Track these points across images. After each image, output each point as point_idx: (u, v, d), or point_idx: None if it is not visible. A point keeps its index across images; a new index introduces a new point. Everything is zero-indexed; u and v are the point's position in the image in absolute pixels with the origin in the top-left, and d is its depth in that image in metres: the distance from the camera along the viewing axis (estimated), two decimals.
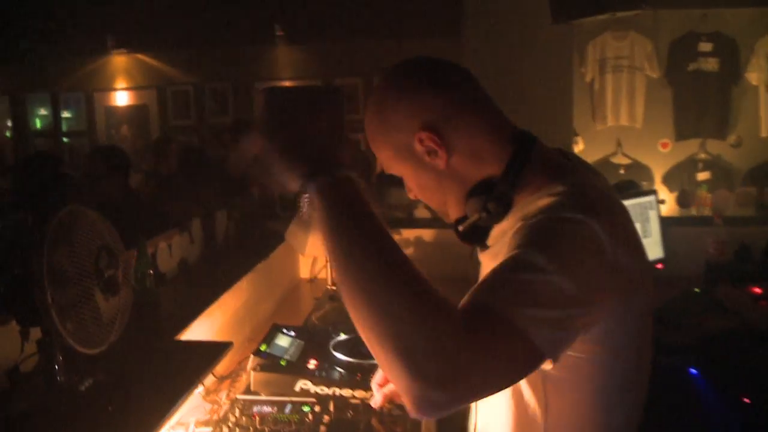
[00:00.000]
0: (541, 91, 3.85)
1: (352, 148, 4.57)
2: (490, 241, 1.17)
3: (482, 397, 0.88)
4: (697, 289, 2.95)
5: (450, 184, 1.14)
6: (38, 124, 7.07)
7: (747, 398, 2.53)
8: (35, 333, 1.32)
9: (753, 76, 4.97)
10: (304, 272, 3.20)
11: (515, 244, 0.94)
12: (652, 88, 5.08)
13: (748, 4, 4.93)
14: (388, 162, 1.17)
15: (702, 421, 2.62)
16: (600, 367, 1.04)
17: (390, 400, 1.51)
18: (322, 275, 3.07)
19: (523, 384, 1.11)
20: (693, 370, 2.71)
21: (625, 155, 5.07)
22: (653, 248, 3.10)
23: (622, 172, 5.01)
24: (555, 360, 0.90)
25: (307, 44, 6.38)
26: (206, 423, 1.54)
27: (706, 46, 4.97)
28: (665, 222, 3.23)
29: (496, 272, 0.90)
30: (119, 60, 6.68)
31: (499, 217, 1.10)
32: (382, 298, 0.82)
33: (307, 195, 0.93)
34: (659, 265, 3.11)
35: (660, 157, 5.13)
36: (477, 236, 1.17)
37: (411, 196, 1.22)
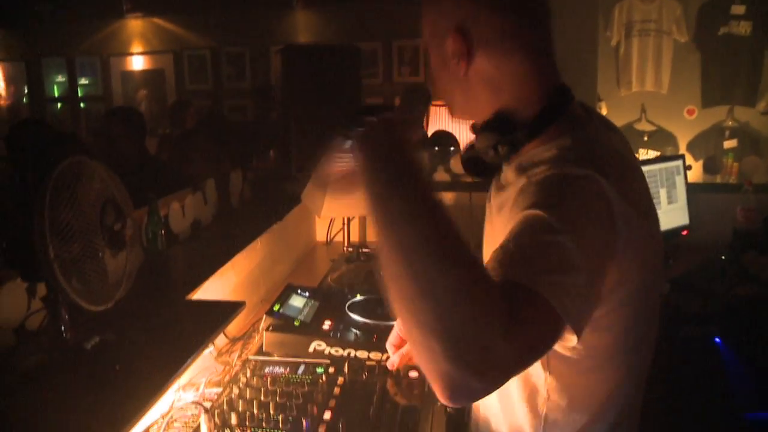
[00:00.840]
0: (564, 55, 3.69)
1: None
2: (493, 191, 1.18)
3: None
4: (723, 257, 2.86)
5: (462, 94, 1.13)
6: (56, 91, 7.04)
7: None
8: (42, 290, 1.28)
9: None
10: (321, 235, 3.15)
11: (526, 203, 0.89)
12: (680, 52, 4.92)
13: None
14: (426, 37, 1.16)
15: (726, 391, 2.56)
16: (606, 331, 1.00)
17: (407, 362, 1.46)
18: (338, 238, 3.01)
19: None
20: (717, 340, 2.65)
21: (650, 122, 4.93)
22: (679, 214, 3.01)
23: (645, 139, 4.89)
24: (578, 330, 0.83)
25: (325, 8, 6.26)
26: (217, 383, 1.49)
27: (738, 9, 4.78)
28: (692, 188, 3.14)
29: (515, 238, 0.85)
30: (135, 24, 6.61)
31: (504, 159, 1.10)
32: (427, 275, 0.74)
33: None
34: (684, 232, 3.03)
35: (685, 124, 4.98)
36: (478, 169, 1.18)
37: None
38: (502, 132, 1.07)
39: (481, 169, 1.18)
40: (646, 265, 1.01)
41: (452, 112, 1.20)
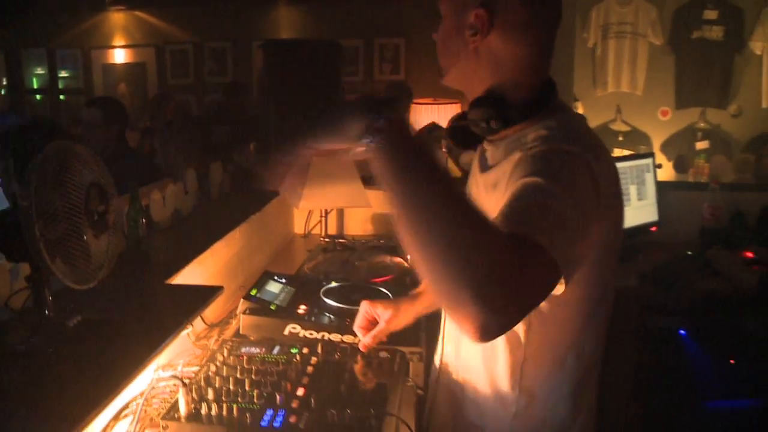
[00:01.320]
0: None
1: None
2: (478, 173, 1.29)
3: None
4: (689, 252, 2.96)
5: (463, 64, 1.22)
6: (35, 83, 7.02)
7: (732, 359, 2.57)
8: (26, 270, 1.33)
9: (757, 45, 4.91)
10: (299, 227, 3.20)
11: (524, 172, 1.02)
12: (655, 55, 5.04)
13: None
14: (444, 9, 1.24)
15: (688, 379, 2.66)
16: (581, 292, 1.13)
17: (378, 341, 1.53)
18: (316, 231, 3.07)
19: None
20: (682, 332, 2.74)
21: (625, 122, 5.05)
22: (648, 211, 3.11)
23: (620, 139, 5.00)
24: (567, 281, 0.96)
25: (309, 5, 6.30)
26: (195, 364, 1.55)
27: (711, 14, 4.91)
28: (661, 186, 3.23)
29: (518, 200, 0.97)
30: (117, 16, 6.60)
31: (492, 133, 1.21)
32: (451, 235, 0.85)
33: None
34: (653, 228, 3.12)
35: (659, 125, 5.10)
36: (464, 139, 1.30)
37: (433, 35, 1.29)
38: (497, 108, 1.18)
39: (467, 140, 1.30)
40: (616, 233, 1.16)
41: (444, 75, 1.29)
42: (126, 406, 1.36)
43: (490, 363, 1.27)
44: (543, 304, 1.07)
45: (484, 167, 1.29)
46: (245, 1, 6.17)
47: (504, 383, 1.25)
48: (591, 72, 5.10)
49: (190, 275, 1.91)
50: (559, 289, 0.97)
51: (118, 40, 6.69)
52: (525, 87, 1.19)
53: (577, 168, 1.03)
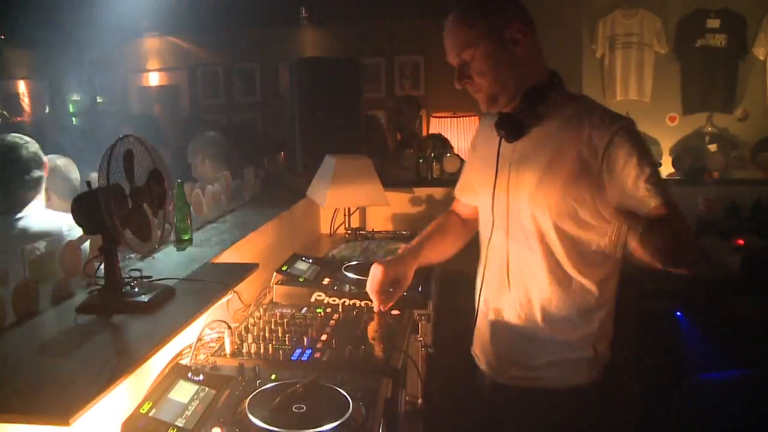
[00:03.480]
0: (551, 66, 4.04)
1: (372, 122, 4.86)
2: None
3: None
4: None
5: (517, 72, 1.59)
6: (71, 108, 7.44)
7: (722, 335, 2.78)
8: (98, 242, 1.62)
9: (760, 51, 5.11)
10: (325, 228, 3.48)
11: (629, 152, 1.50)
12: (661, 63, 5.27)
13: None
14: (476, 37, 1.58)
15: (685, 356, 2.87)
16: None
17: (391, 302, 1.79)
18: (341, 231, 3.34)
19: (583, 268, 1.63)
20: (678, 314, 2.96)
21: None
22: None
23: None
24: None
25: (332, 26, 6.64)
26: (235, 319, 1.83)
27: (713, 23, 5.13)
28: None
29: (650, 180, 1.48)
30: (152, 42, 7.02)
31: (539, 119, 1.60)
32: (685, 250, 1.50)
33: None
34: None
35: (668, 130, 5.32)
36: (514, 127, 1.63)
37: (459, 85, 1.65)
38: (541, 96, 1.60)
39: (518, 128, 1.63)
40: None
41: (500, 96, 1.63)
42: (180, 353, 1.64)
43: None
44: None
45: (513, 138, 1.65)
46: (271, 24, 6.53)
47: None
48: (600, 82, 5.35)
49: (229, 259, 2.20)
50: None
51: (153, 64, 7.09)
52: (542, 76, 1.62)
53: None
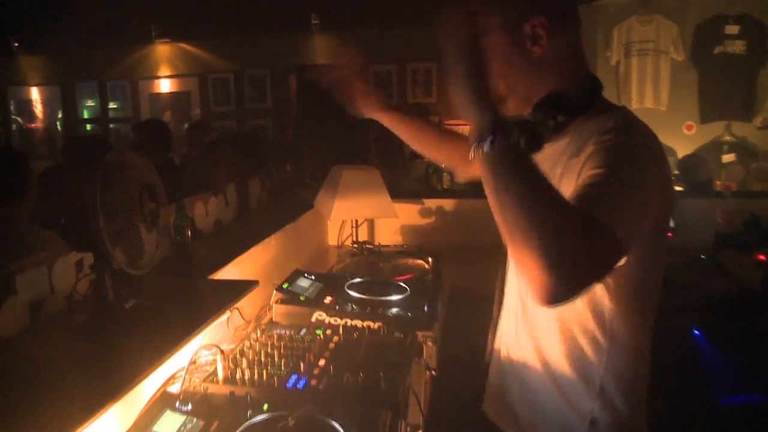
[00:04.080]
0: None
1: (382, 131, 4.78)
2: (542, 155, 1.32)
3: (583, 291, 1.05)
4: (703, 256, 3.08)
5: (530, 76, 1.29)
6: (86, 114, 7.44)
7: (743, 356, 2.67)
8: (90, 260, 1.56)
9: None
10: (332, 239, 3.42)
11: (597, 163, 1.13)
12: (677, 70, 5.16)
13: None
14: (488, 28, 1.28)
15: (704, 378, 2.77)
16: (644, 278, 1.26)
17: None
18: (348, 242, 3.28)
19: (586, 317, 1.29)
20: (696, 332, 2.86)
21: None
22: None
23: None
24: (626, 254, 1.08)
25: (342, 32, 6.58)
26: (232, 342, 1.76)
27: (732, 29, 5.01)
28: (678, 195, 3.36)
29: (591, 186, 1.10)
30: (162, 48, 6.99)
31: (558, 129, 1.28)
32: (533, 209, 1.00)
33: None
34: (669, 234, 3.24)
35: (685, 139, 5.20)
36: (530, 139, 1.33)
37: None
38: (560, 105, 1.27)
39: (534, 140, 1.31)
40: (665, 216, 1.28)
41: (509, 98, 1.33)
42: (173, 376, 1.57)
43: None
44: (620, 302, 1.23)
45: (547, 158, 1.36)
46: (282, 30, 6.48)
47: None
48: (615, 89, 5.24)
49: (229, 275, 2.13)
50: (621, 260, 1.09)
51: (164, 71, 7.07)
52: (578, 81, 1.29)
53: (646, 156, 1.15)
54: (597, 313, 1.27)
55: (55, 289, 1.65)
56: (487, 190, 1.07)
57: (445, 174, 3.56)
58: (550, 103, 1.28)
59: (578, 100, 1.28)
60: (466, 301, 2.26)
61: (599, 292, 1.26)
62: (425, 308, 1.91)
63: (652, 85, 5.17)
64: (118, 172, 1.50)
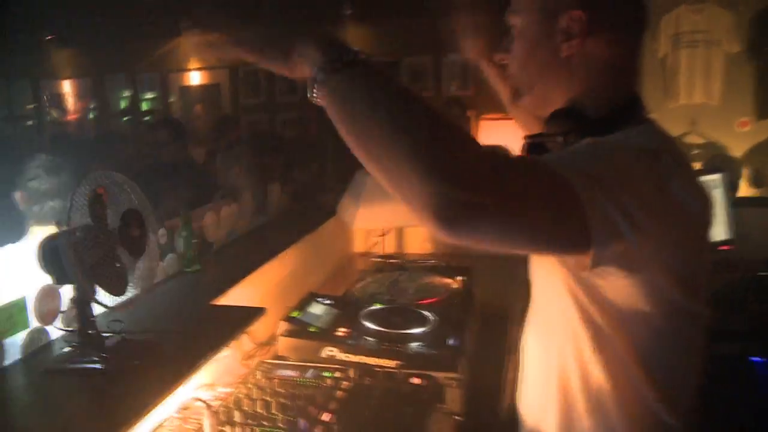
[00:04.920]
0: None
1: None
2: None
3: (504, 219, 0.83)
4: (762, 273, 2.80)
5: (552, 76, 1.10)
6: (122, 104, 7.39)
7: None
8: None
9: None
10: (359, 246, 3.22)
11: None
12: (732, 63, 4.82)
13: None
14: (524, 3, 1.12)
15: (763, 413, 2.50)
16: (648, 318, 1.00)
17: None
18: (375, 248, 3.07)
19: (569, 348, 1.08)
20: (755, 359, 2.59)
21: (700, 135, 4.84)
22: (717, 230, 2.96)
23: (696, 152, 4.79)
24: (596, 250, 0.87)
25: (376, 22, 6.36)
26: (230, 384, 1.58)
27: None
28: (737, 203, 3.08)
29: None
30: (192, 40, 6.85)
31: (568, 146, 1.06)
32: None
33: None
34: (725, 247, 2.97)
35: (738, 136, 4.86)
36: (537, 153, 1.14)
37: (498, 58, 1.21)
38: (577, 120, 1.07)
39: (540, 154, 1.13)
40: (694, 246, 1.03)
41: (524, 95, 1.16)
42: (161, 425, 1.39)
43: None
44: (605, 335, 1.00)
45: None
46: (313, 20, 6.30)
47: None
48: (661, 83, 4.92)
49: (240, 295, 1.95)
50: (584, 262, 0.89)
51: (194, 63, 6.94)
52: (610, 98, 1.07)
53: (640, 159, 0.94)
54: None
55: (39, 318, 1.48)
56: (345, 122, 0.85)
57: None
58: (566, 116, 1.08)
59: (600, 121, 1.05)
60: (501, 323, 2.05)
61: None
62: (451, 342, 1.70)
63: (702, 80, 4.85)
64: (96, 195, 1.31)
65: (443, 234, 0.79)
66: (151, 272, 1.43)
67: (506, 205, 0.81)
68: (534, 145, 1.15)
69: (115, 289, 1.35)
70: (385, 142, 0.81)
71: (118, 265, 1.35)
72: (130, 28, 6.38)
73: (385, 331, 1.65)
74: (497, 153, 0.83)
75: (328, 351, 1.67)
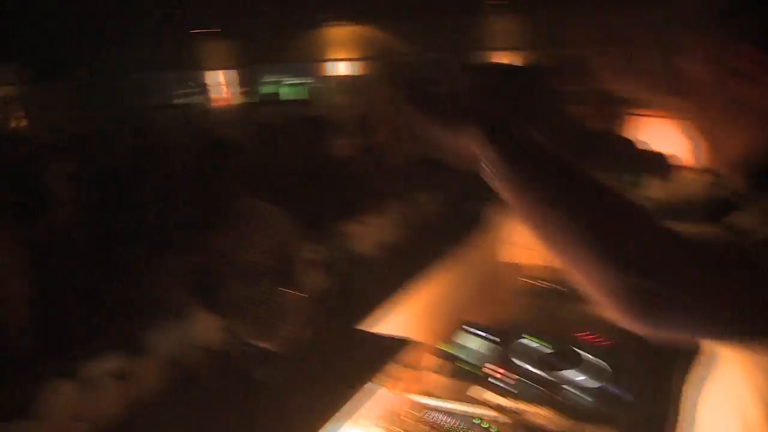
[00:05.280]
0: None
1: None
2: None
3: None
4: None
5: (727, 125, 0.88)
6: (266, 90, 7.64)
7: None
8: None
9: None
10: (510, 257, 3.05)
11: None
12: None
13: None
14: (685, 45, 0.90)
15: None
16: None
17: None
18: (533, 260, 2.89)
19: None
20: None
21: None
22: None
23: None
24: None
25: (528, 13, 6.10)
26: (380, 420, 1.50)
27: None
28: None
29: None
30: (336, 31, 6.91)
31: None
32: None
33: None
34: None
35: None
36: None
37: None
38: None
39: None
40: None
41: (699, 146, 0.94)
42: None
43: None
44: None
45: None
46: (457, 11, 6.14)
47: None
48: None
49: (387, 321, 1.84)
50: None
51: (338, 54, 6.99)
52: None
53: None
54: None
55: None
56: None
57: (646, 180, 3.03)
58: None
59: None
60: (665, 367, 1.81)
61: None
62: (615, 391, 1.52)
63: None
64: (242, 226, 1.27)
65: (635, 326, 0.68)
66: (304, 304, 1.37)
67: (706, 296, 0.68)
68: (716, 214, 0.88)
69: (267, 322, 1.30)
70: (566, 238, 0.72)
71: (268, 298, 1.30)
72: (276, 18, 6.53)
73: (541, 375, 1.50)
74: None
75: (478, 391, 1.54)
